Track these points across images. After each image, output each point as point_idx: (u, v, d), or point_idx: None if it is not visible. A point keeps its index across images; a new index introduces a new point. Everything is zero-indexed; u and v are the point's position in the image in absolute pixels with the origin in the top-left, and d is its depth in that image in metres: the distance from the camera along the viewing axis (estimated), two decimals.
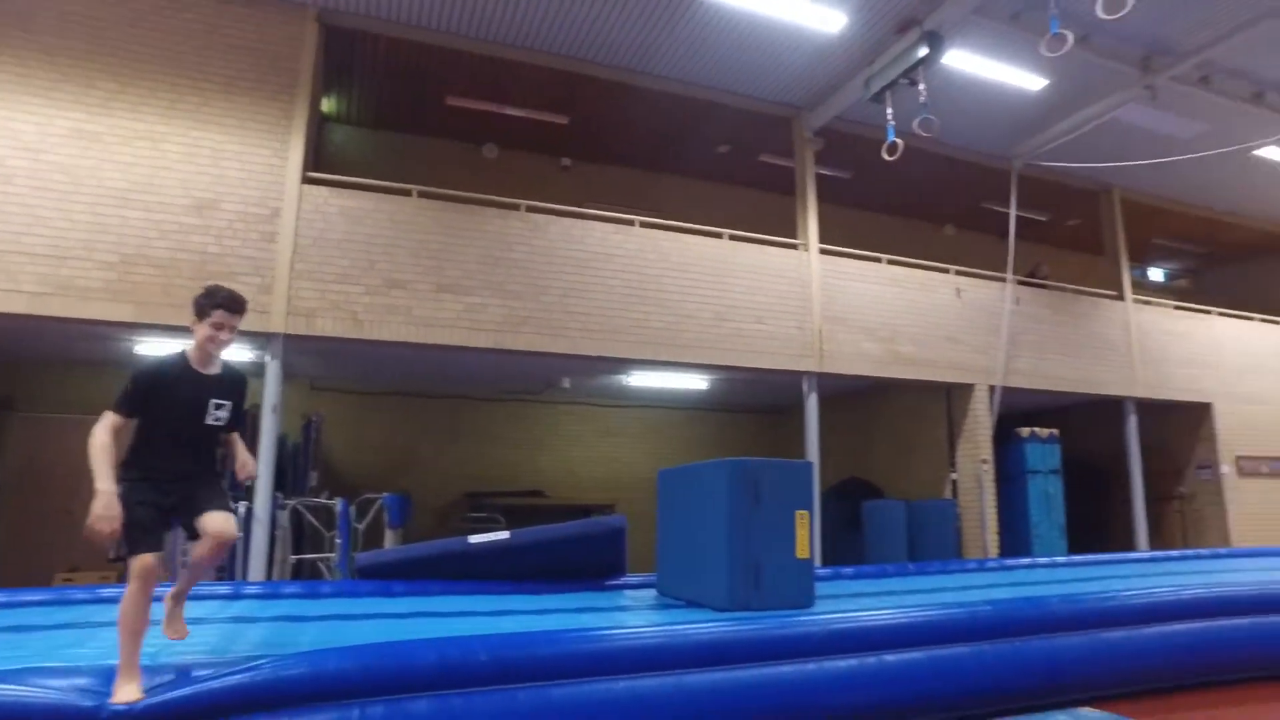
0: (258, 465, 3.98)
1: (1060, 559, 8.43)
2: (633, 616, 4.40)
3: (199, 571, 3.33)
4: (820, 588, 5.63)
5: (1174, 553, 9.27)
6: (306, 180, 7.41)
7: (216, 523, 3.09)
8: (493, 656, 3.28)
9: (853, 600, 4.79)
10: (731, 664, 3.55)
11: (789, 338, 8.96)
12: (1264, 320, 13.03)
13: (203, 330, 3.15)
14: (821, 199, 9.86)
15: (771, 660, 3.60)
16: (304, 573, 8.01)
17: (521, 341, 7.86)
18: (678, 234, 8.81)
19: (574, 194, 10.44)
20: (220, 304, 3.16)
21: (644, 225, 8.68)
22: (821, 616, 3.89)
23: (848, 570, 6.50)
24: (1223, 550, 9.97)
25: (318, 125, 9.46)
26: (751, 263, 9.02)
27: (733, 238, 8.99)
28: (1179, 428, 12.26)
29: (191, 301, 3.21)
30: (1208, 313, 12.58)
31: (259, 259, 6.96)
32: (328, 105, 9.83)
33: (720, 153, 11.03)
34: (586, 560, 5.88)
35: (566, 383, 10.38)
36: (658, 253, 8.65)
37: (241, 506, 6.29)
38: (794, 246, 9.33)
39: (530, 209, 8.25)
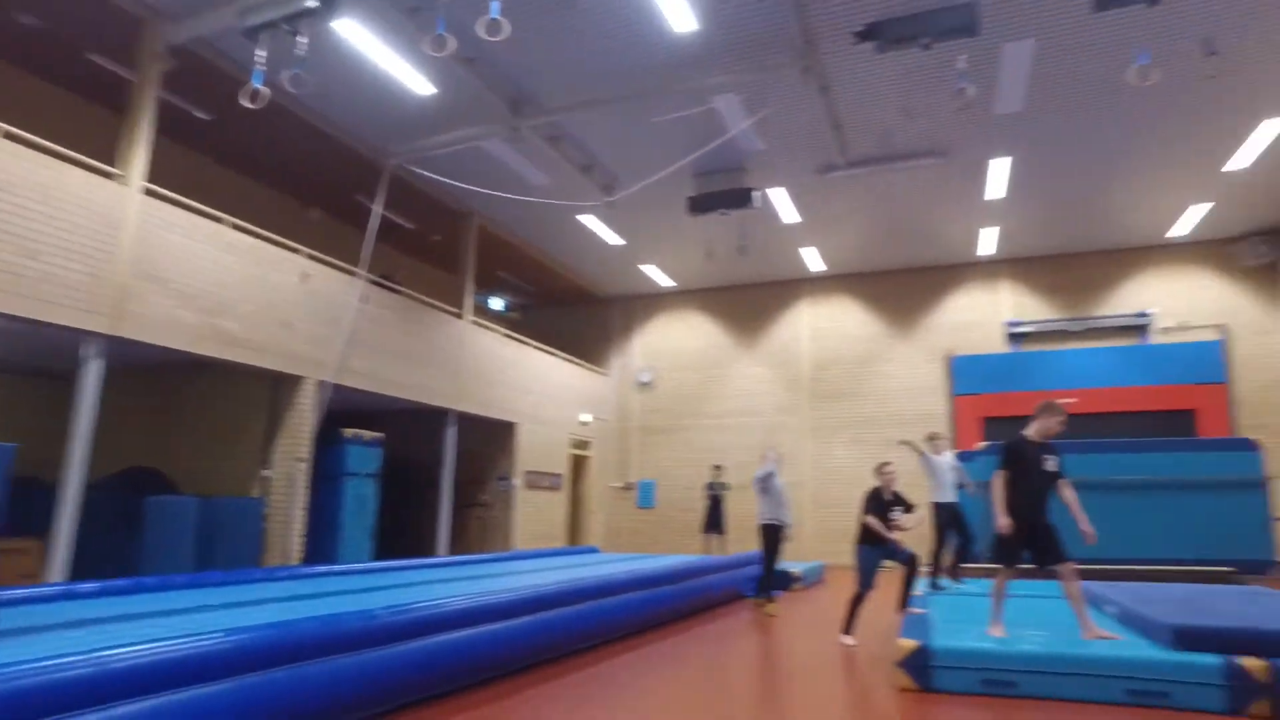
0: None
1: (357, 566, 8.28)
2: None
3: None
4: (35, 613, 4.21)
5: (469, 557, 10.04)
6: None
7: None
8: None
9: (55, 636, 3.57)
10: None
11: (76, 285, 6.96)
12: (563, 359, 15.66)
13: None
14: (168, 133, 8.14)
15: None
16: None
17: None
18: None
19: None
20: None
21: None
22: None
23: (88, 587, 5.10)
24: (506, 554, 11.25)
25: None
26: (39, 180, 6.79)
27: (11, 137, 6.68)
28: (489, 442, 13.65)
29: None
30: (527, 344, 14.41)
31: None
32: None
33: (23, 25, 8.25)
34: None
35: None
36: None
37: None
38: (109, 175, 7.42)
39: None
